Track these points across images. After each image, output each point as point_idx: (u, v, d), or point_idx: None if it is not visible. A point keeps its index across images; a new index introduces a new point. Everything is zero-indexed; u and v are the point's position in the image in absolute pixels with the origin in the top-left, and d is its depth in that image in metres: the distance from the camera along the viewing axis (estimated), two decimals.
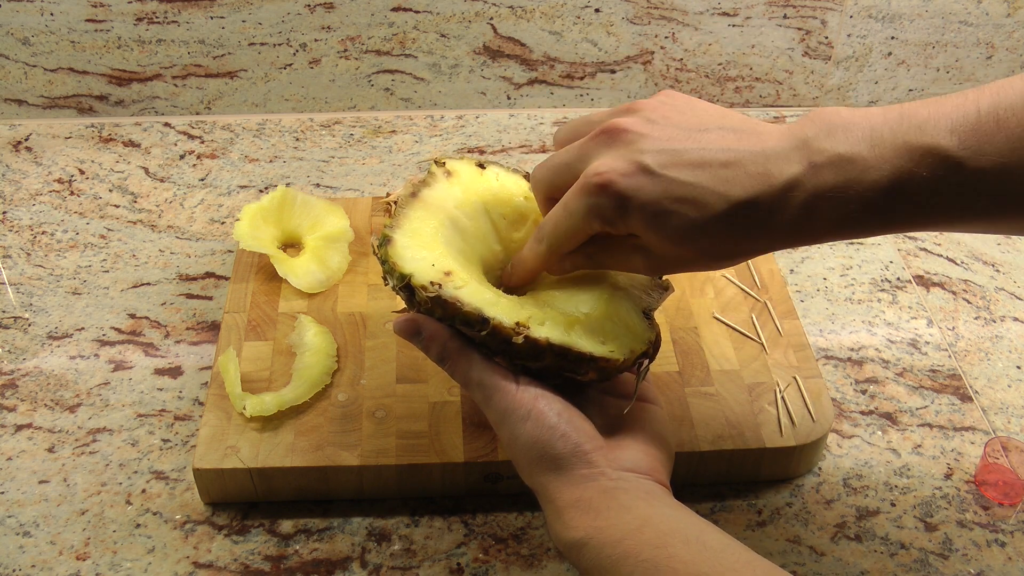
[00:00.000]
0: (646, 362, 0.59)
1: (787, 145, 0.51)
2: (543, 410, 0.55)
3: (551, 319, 0.56)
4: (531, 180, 0.60)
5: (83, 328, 0.81)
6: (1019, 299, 0.88)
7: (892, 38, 1.04)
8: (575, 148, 0.56)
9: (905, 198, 0.50)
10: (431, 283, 0.55)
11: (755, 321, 0.78)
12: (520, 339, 0.54)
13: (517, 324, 0.55)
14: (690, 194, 0.51)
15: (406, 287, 0.56)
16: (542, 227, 0.58)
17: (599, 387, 0.60)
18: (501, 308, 0.55)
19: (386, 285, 0.59)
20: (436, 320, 0.57)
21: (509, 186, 0.65)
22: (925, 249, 0.92)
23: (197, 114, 1.04)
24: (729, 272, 0.82)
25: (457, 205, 0.62)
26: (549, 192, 0.58)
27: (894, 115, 0.50)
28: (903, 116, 0.50)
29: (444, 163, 0.64)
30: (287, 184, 0.96)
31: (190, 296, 0.85)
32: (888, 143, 0.49)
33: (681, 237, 0.53)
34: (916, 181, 0.49)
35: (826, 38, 1.04)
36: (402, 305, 0.59)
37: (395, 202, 0.61)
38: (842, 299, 0.87)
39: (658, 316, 0.77)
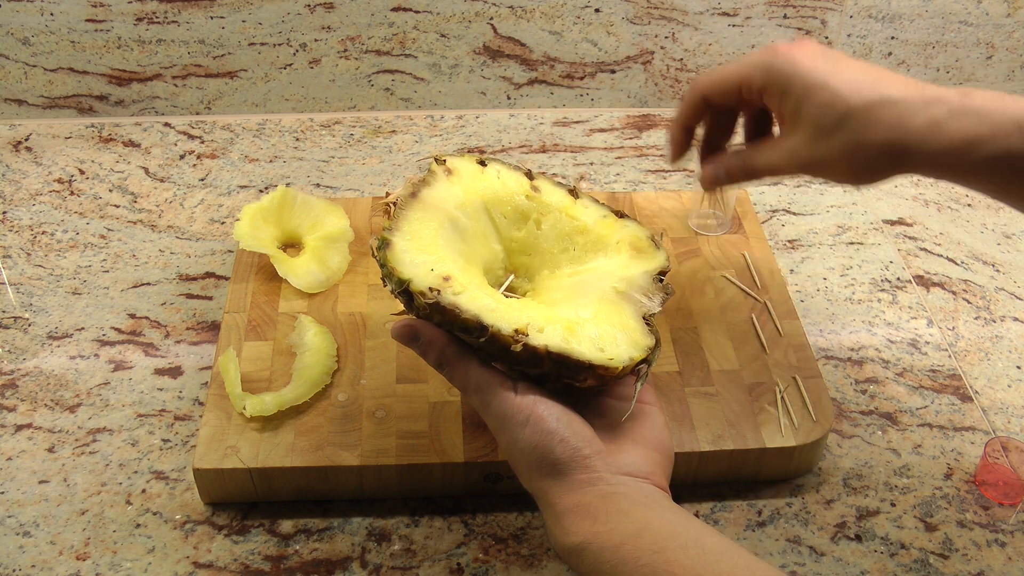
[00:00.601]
0: (645, 367, 0.58)
1: (943, 87, 0.59)
2: (542, 415, 0.55)
3: (550, 325, 0.56)
4: (694, 82, 0.66)
5: (83, 328, 0.81)
6: (1019, 299, 0.88)
7: (892, 38, 1.04)
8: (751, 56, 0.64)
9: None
10: (430, 289, 0.55)
11: (755, 321, 0.78)
12: (519, 347, 0.54)
13: (516, 331, 0.54)
14: (848, 78, 0.59)
15: (404, 292, 0.56)
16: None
17: (598, 389, 0.60)
18: (500, 314, 0.55)
19: (385, 287, 0.58)
20: (435, 325, 0.57)
21: (510, 184, 0.65)
22: (925, 249, 0.92)
23: (197, 114, 1.04)
24: (729, 272, 0.82)
25: (457, 205, 0.62)
26: (709, 91, 0.65)
27: None
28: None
29: (444, 161, 0.64)
30: (287, 184, 0.96)
31: (190, 296, 0.85)
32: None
33: (828, 114, 0.59)
34: None
35: (826, 38, 1.04)
36: (401, 307, 0.59)
37: (394, 203, 0.60)
38: (842, 299, 0.87)
39: (658, 316, 0.77)
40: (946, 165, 0.58)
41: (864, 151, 0.59)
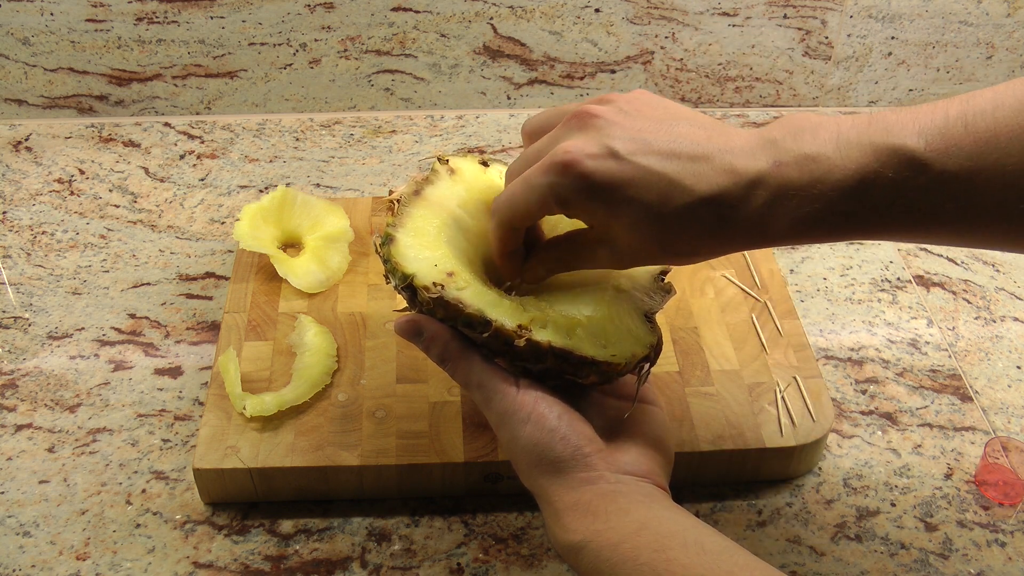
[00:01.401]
0: (647, 365, 0.58)
1: (755, 144, 0.52)
2: (543, 413, 0.55)
3: (553, 322, 0.56)
4: (506, 173, 0.59)
5: (83, 328, 0.81)
6: (1019, 299, 0.88)
7: (892, 38, 1.04)
8: (547, 137, 0.56)
9: (869, 199, 0.50)
10: (433, 284, 0.55)
11: (755, 321, 0.78)
12: (522, 342, 0.54)
13: (519, 327, 0.55)
14: (656, 183, 0.51)
15: (408, 287, 0.56)
16: (496, 200, 0.57)
17: (599, 389, 0.60)
18: (503, 310, 0.55)
19: (388, 284, 0.58)
20: (438, 321, 0.57)
21: None
22: (925, 249, 0.92)
23: (197, 114, 1.04)
24: (729, 272, 0.82)
25: (460, 204, 0.62)
26: (516, 224, 0.57)
27: (863, 120, 0.51)
28: (871, 120, 0.50)
29: (447, 161, 0.64)
30: (287, 184, 0.96)
31: (190, 296, 0.85)
32: (854, 144, 0.50)
33: (641, 226, 0.52)
34: (881, 182, 0.49)
35: (826, 38, 1.04)
36: (403, 304, 0.59)
37: (398, 200, 0.60)
38: (842, 299, 0.87)
39: (658, 316, 0.77)
40: (781, 242, 0.53)
41: (687, 251, 0.54)
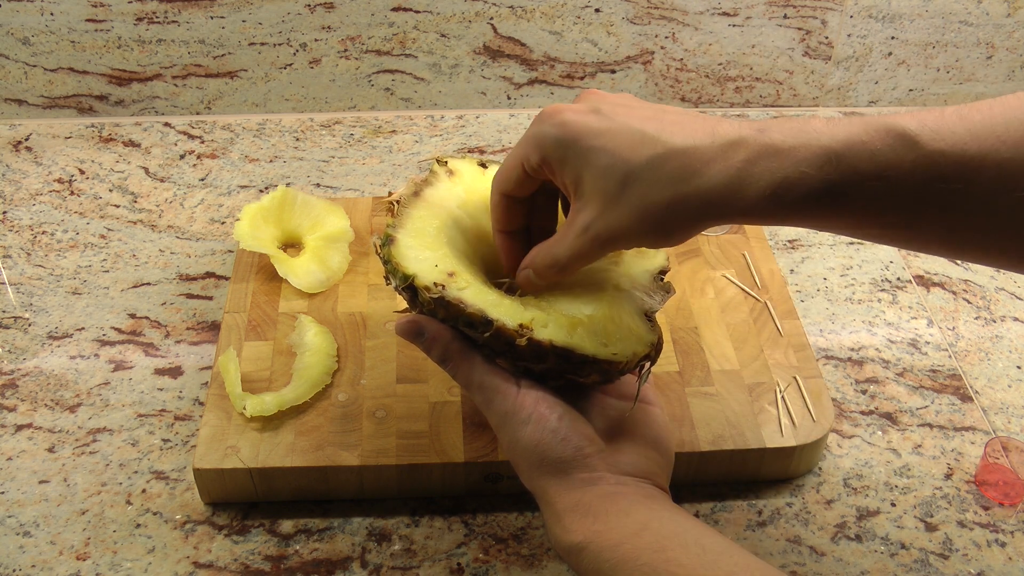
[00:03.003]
0: (648, 364, 0.58)
1: (743, 123, 0.51)
2: (544, 413, 0.55)
3: (554, 321, 0.56)
4: (492, 183, 0.59)
5: (83, 328, 0.81)
6: (1019, 299, 0.88)
7: (892, 38, 1.04)
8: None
9: (853, 167, 0.48)
10: (434, 284, 0.55)
11: (755, 321, 0.78)
12: (523, 341, 0.54)
13: (520, 326, 0.55)
14: (629, 135, 0.51)
15: (409, 288, 0.56)
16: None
17: (600, 389, 0.60)
18: (504, 310, 0.55)
19: (388, 285, 0.58)
20: (439, 321, 0.57)
21: None
22: None
23: (197, 114, 1.04)
24: (729, 272, 0.82)
25: (460, 204, 0.62)
26: (504, 187, 0.58)
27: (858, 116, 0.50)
28: (867, 116, 0.50)
29: (446, 162, 0.64)
30: (287, 184, 0.96)
31: (190, 296, 0.85)
32: (845, 123, 0.49)
33: (608, 177, 0.51)
34: (868, 150, 0.48)
35: (826, 38, 1.04)
36: (403, 305, 0.59)
37: (397, 201, 0.60)
38: (842, 299, 0.87)
39: (658, 316, 0.77)
40: (758, 213, 0.50)
41: (657, 212, 0.50)
